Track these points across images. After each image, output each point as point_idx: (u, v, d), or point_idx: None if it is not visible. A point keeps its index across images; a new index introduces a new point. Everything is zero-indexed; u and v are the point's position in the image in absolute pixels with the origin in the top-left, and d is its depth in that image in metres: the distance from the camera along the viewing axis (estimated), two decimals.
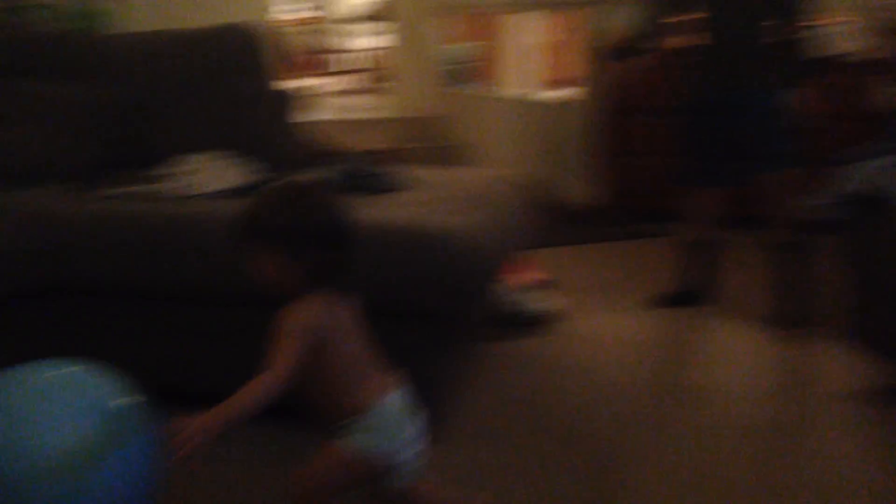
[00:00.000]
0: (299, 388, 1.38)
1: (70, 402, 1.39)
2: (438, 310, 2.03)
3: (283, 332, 1.35)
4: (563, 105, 5.32)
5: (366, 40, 8.50)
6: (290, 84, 2.85)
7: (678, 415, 2.31)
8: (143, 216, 2.19)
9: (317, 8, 7.96)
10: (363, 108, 7.08)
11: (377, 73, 8.11)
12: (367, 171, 2.46)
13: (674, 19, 3.04)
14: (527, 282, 2.99)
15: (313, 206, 1.40)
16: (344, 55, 8.43)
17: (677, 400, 2.41)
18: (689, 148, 3.05)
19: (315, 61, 8.63)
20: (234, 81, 2.76)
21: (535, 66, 5.99)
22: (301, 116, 2.97)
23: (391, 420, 1.46)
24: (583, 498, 1.88)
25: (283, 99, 2.87)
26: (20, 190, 2.39)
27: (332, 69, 8.59)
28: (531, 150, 5.25)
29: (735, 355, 2.78)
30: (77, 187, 2.45)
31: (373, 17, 8.13)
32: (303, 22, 8.92)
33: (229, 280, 2.08)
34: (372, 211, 2.16)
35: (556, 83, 6.25)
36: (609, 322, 3.04)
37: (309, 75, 8.99)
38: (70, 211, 2.24)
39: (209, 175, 2.42)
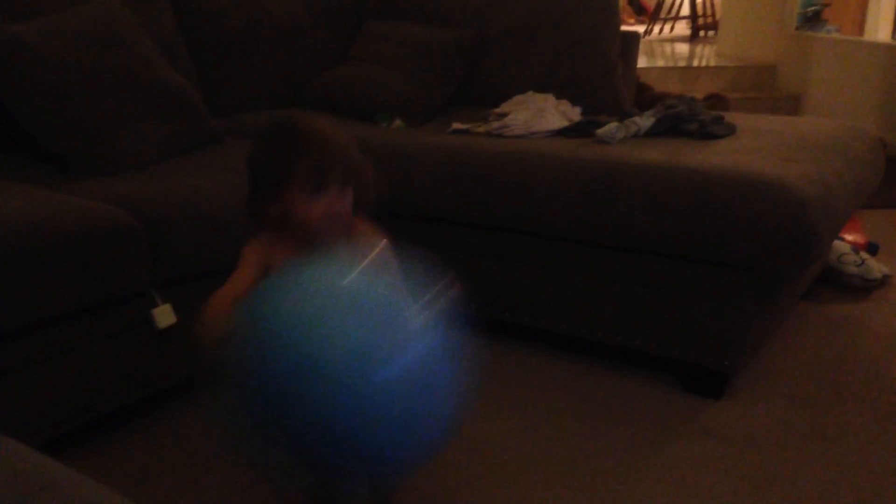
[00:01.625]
0: None
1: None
2: (767, 263, 1.96)
3: None
4: None
5: None
6: (632, 28, 2.84)
7: None
8: (481, 151, 2.34)
9: None
10: (695, 55, 6.84)
11: (714, 19, 7.77)
12: (696, 115, 2.42)
13: None
14: (854, 243, 2.77)
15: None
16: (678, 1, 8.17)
17: None
18: None
19: (654, 5, 8.45)
20: (577, 23, 2.81)
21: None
22: (637, 61, 2.98)
23: None
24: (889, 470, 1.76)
25: (624, 41, 2.88)
26: (371, 123, 2.63)
27: (669, 15, 8.37)
28: (882, 102, 4.77)
29: None
30: (422, 123, 2.68)
31: None
32: None
33: (562, 218, 2.18)
34: (698, 156, 2.13)
35: None
36: None
37: (644, 21, 8.85)
38: (417, 144, 2.45)
39: (543, 115, 2.53)
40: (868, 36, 6.27)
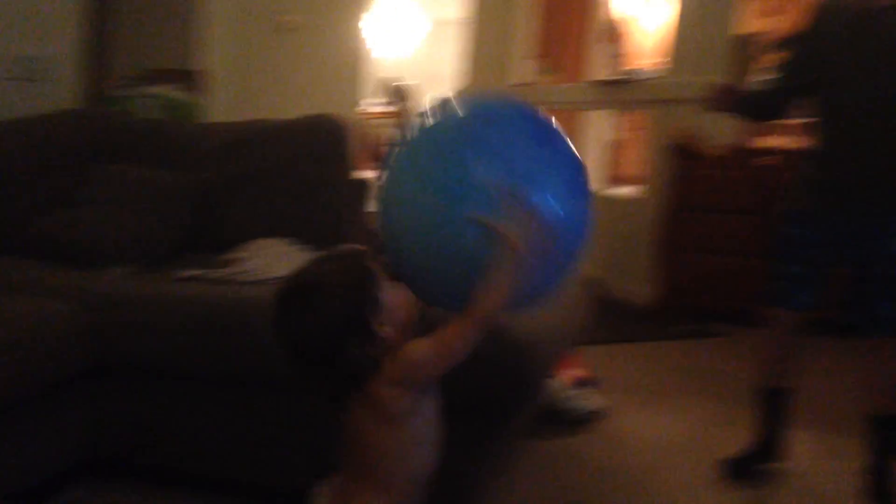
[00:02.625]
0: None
1: None
2: (488, 403, 2.05)
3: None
4: (625, 202, 5.37)
5: None
6: (367, 174, 2.96)
7: None
8: (207, 299, 2.28)
9: (401, 102, 8.29)
10: None
11: None
12: None
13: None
14: (572, 379, 2.98)
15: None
16: None
17: None
18: (773, 256, 2.51)
19: (385, 152, 8.87)
20: (314, 170, 2.86)
21: (599, 162, 6.07)
22: (368, 207, 3.09)
23: None
24: None
25: (359, 188, 2.98)
26: (93, 270, 2.50)
27: None
28: (595, 245, 5.28)
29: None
30: (148, 269, 2.58)
31: None
32: (387, 115, 9.24)
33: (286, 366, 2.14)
34: None
35: (619, 180, 6.29)
36: (651, 423, 3.00)
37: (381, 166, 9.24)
38: (137, 292, 2.33)
39: (276, 261, 2.53)
40: None
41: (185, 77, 4.50)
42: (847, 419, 2.83)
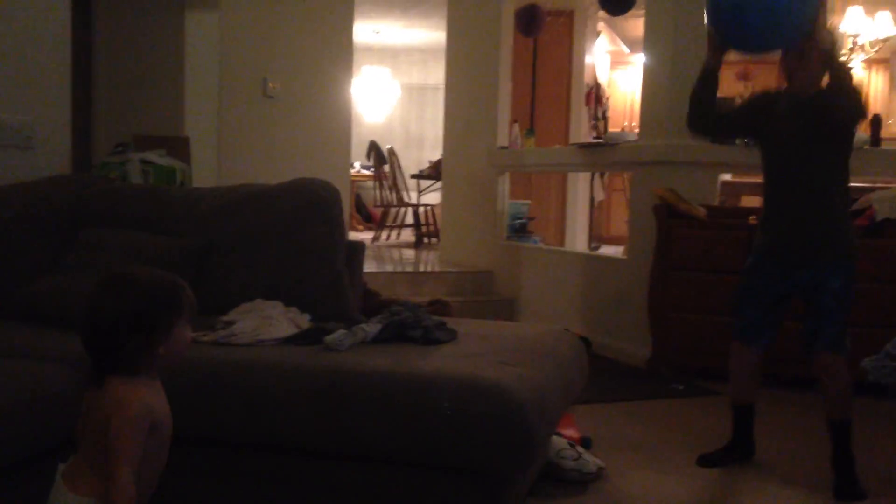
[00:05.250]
0: None
1: None
2: (488, 465, 2.03)
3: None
4: (612, 261, 5.41)
5: (431, 196, 8.83)
6: (357, 236, 2.96)
7: None
8: (199, 362, 2.26)
9: (390, 164, 8.39)
10: (420, 260, 7.27)
11: (435, 227, 8.36)
12: (420, 321, 2.53)
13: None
14: (570, 438, 2.96)
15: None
16: (405, 209, 8.74)
17: None
18: (737, 301, 3.05)
19: (381, 214, 8.94)
20: (307, 233, 2.86)
21: (587, 222, 6.13)
22: (363, 267, 3.09)
23: None
24: None
25: (350, 250, 2.99)
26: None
27: (395, 223, 8.89)
28: (583, 305, 5.30)
29: None
30: None
31: (436, 174, 8.46)
32: (376, 177, 9.33)
33: (291, 428, 2.12)
34: (422, 362, 2.21)
35: (608, 240, 6.34)
36: (649, 482, 2.96)
37: (373, 228, 9.30)
38: None
39: (268, 323, 2.51)
40: (567, 246, 7.05)
41: (173, 143, 4.53)
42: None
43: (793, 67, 2.84)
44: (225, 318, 2.57)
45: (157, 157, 4.08)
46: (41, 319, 2.59)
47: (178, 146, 4.55)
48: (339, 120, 6.11)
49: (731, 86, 9.45)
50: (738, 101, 4.69)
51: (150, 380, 1.52)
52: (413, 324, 2.52)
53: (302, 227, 2.86)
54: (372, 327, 2.46)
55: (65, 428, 2.12)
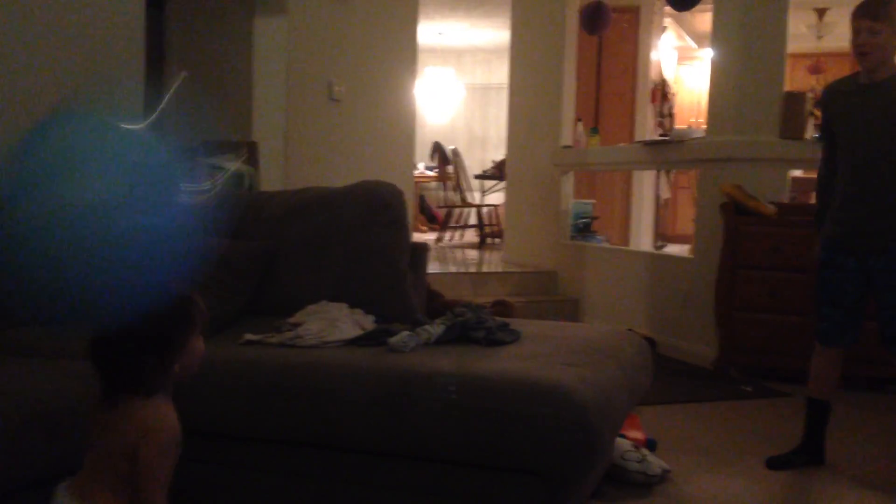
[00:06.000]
0: None
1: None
2: (552, 466, 2.03)
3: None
4: (679, 260, 5.33)
5: (495, 196, 8.84)
6: (421, 237, 2.99)
7: None
8: (269, 362, 2.31)
9: (454, 165, 8.43)
10: (483, 261, 7.27)
11: (499, 227, 8.36)
12: (483, 323, 2.55)
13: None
14: (634, 440, 2.93)
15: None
16: (469, 210, 8.76)
17: None
18: (815, 302, 3.02)
19: (444, 215, 8.99)
20: (372, 235, 2.90)
21: (653, 221, 6.05)
22: (427, 268, 3.11)
23: None
24: None
25: (414, 251, 3.02)
26: None
27: (458, 223, 8.92)
28: (648, 305, 5.24)
29: None
30: (211, 334, 2.62)
31: (500, 174, 8.46)
32: (440, 178, 9.38)
33: (355, 429, 2.16)
34: (486, 363, 2.22)
35: (673, 238, 6.24)
36: (715, 485, 2.92)
37: (437, 228, 9.35)
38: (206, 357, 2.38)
39: (334, 325, 2.56)
40: (632, 245, 6.98)
41: (241, 148, 4.62)
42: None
43: (863, 45, 2.78)
44: (291, 320, 2.62)
45: (227, 162, 4.17)
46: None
47: (248, 151, 4.65)
48: (402, 121, 6.15)
49: (804, 80, 9.24)
50: (810, 95, 4.60)
51: (166, 396, 1.50)
52: (476, 325, 2.53)
53: (367, 230, 2.90)
54: (436, 329, 2.48)
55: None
